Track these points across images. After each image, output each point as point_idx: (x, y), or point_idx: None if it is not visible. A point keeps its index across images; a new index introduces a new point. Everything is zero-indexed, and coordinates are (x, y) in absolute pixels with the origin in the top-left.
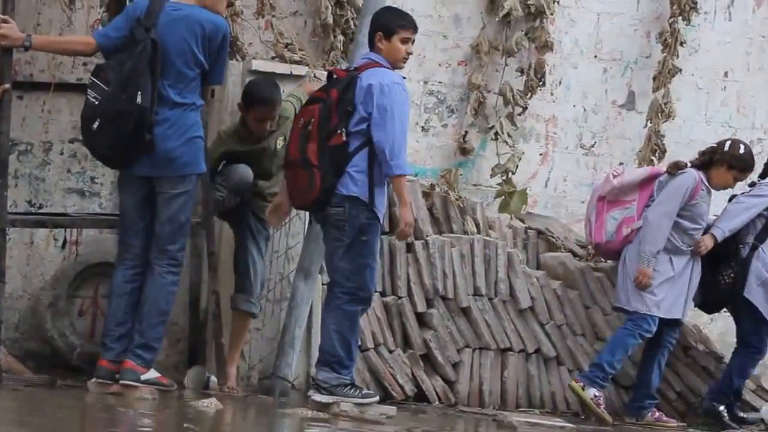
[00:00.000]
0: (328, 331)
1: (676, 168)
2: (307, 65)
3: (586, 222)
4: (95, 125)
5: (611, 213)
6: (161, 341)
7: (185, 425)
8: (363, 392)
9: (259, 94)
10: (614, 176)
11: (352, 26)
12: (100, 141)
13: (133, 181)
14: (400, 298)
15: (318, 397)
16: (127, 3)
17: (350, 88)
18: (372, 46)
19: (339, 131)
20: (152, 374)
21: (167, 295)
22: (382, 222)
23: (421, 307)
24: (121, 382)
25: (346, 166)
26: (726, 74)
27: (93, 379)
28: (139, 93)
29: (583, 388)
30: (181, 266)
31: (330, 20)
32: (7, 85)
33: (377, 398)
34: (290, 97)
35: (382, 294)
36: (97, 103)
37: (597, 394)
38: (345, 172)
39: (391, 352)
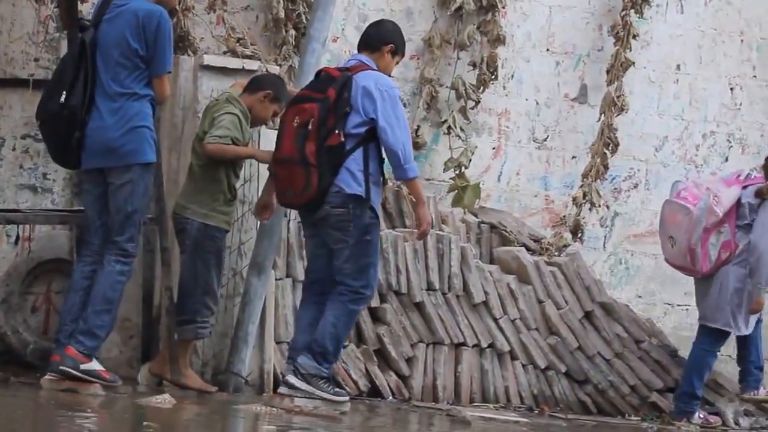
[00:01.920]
0: (324, 323)
1: None
2: (259, 60)
3: (686, 252)
4: (39, 127)
5: (709, 240)
6: (105, 331)
7: (145, 423)
8: (335, 390)
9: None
10: (715, 204)
11: (304, 20)
12: (46, 142)
13: (89, 178)
14: None
15: (292, 380)
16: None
17: (346, 88)
18: (371, 50)
19: (337, 131)
20: (95, 365)
21: (113, 284)
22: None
23: (375, 301)
24: (60, 368)
25: (342, 165)
26: (678, 67)
27: (47, 376)
28: (65, 93)
29: (755, 395)
30: (131, 257)
31: (282, 15)
32: None
33: (348, 399)
34: (229, 96)
35: None
36: (39, 103)
37: None
38: (344, 170)
39: (344, 347)
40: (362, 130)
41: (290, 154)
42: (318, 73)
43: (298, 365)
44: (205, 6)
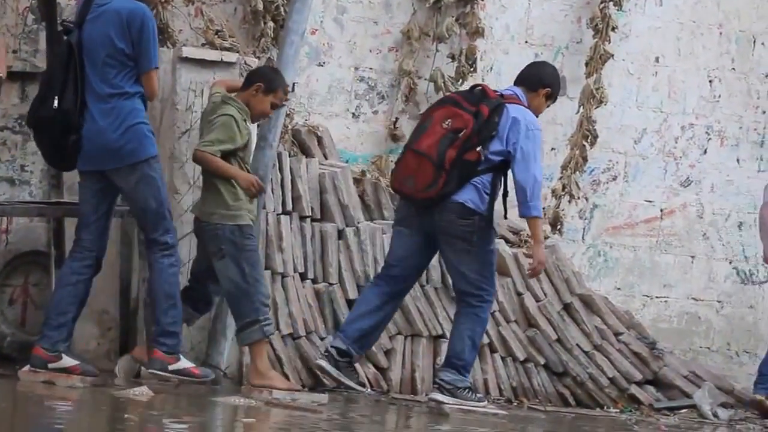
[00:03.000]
0: (461, 336)
1: None
2: (238, 52)
3: (764, 237)
4: (33, 132)
5: None
6: (178, 325)
7: (125, 416)
8: (477, 396)
9: (285, 81)
10: None
11: (282, 13)
12: (40, 146)
13: (87, 175)
14: (331, 284)
15: (440, 397)
16: None
17: (497, 112)
18: (528, 88)
19: (478, 149)
20: (183, 364)
21: (168, 278)
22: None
23: (353, 293)
24: (149, 370)
25: (469, 181)
26: (657, 59)
27: (25, 368)
28: (56, 98)
29: (766, 398)
30: (173, 248)
31: (260, 6)
32: None
33: (486, 403)
34: (223, 96)
35: (314, 281)
36: (29, 109)
37: None
38: (471, 185)
39: (322, 339)
40: (498, 159)
41: (428, 151)
42: (473, 86)
43: (443, 383)
44: None
